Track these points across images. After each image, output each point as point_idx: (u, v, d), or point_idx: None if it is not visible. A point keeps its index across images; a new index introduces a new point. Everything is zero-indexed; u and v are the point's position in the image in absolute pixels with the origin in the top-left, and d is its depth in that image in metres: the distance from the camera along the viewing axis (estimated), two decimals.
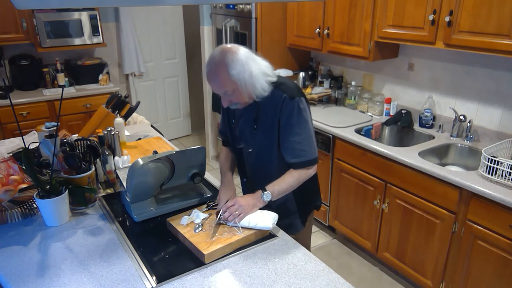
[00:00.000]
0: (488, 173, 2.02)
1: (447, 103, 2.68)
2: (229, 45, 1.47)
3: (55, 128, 2.10)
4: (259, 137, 1.60)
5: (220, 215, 1.48)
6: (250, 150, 1.65)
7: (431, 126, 2.75)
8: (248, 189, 1.78)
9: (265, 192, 1.51)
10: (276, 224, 1.53)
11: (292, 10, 3.29)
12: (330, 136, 2.80)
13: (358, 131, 2.77)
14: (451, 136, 2.60)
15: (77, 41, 3.78)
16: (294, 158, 1.55)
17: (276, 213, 1.56)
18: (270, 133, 1.56)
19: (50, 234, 1.52)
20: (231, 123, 1.71)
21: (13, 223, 1.59)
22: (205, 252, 1.33)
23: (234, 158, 1.80)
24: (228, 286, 1.24)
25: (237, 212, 1.46)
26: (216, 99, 4.31)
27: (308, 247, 1.84)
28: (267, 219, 1.46)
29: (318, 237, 3.13)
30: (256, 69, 1.46)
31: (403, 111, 2.86)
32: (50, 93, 3.69)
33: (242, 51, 1.45)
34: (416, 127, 2.81)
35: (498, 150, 2.18)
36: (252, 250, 1.42)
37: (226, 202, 1.52)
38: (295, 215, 1.73)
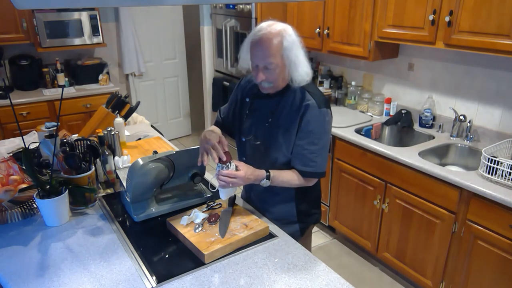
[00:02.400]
0: (488, 173, 2.02)
1: (447, 103, 2.68)
2: (280, 23, 1.47)
3: (55, 128, 2.10)
4: (271, 131, 1.56)
5: (217, 171, 1.45)
6: (258, 143, 1.60)
7: (431, 126, 2.75)
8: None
9: (266, 181, 1.49)
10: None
11: (292, 10, 3.29)
12: (330, 136, 2.79)
13: (358, 131, 2.77)
14: (451, 136, 2.60)
15: (77, 41, 3.78)
16: (302, 166, 1.53)
17: (276, 222, 1.57)
18: (287, 132, 1.53)
19: (50, 234, 1.52)
20: (243, 114, 1.65)
21: (13, 223, 1.59)
22: (205, 252, 1.33)
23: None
24: (228, 286, 1.24)
25: (231, 184, 1.43)
26: (216, 99, 4.31)
27: None
28: (229, 192, 1.50)
29: (318, 237, 3.13)
30: (302, 54, 1.46)
31: (403, 111, 2.86)
32: (50, 93, 3.69)
33: (293, 33, 1.45)
34: (416, 127, 2.81)
35: (498, 150, 2.18)
36: (252, 250, 1.42)
37: (224, 163, 1.43)
38: (295, 225, 1.70)
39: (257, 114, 1.61)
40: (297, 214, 1.69)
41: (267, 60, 1.42)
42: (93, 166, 1.76)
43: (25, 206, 1.62)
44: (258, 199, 1.72)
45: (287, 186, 1.56)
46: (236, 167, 1.45)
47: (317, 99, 1.50)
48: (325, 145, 1.55)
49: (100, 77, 4.00)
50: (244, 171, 1.44)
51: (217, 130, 1.65)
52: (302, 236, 1.74)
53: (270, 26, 1.43)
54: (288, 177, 1.54)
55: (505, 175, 1.97)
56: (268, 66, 1.43)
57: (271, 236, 1.50)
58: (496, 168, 2.00)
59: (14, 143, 2.38)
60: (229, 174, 1.42)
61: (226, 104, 1.81)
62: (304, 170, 1.53)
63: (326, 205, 3.05)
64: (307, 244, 1.81)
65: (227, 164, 1.43)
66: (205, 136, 1.50)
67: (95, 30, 3.82)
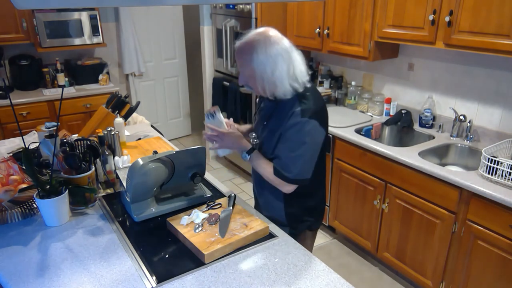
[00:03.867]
0: (488, 173, 2.02)
1: (447, 103, 2.68)
2: (273, 32, 1.45)
3: (55, 128, 2.10)
4: (266, 132, 1.60)
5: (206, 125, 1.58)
6: (257, 141, 1.67)
7: (431, 126, 2.75)
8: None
9: (246, 155, 1.58)
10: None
11: (292, 10, 3.29)
12: (330, 136, 2.80)
13: (358, 131, 2.77)
14: (451, 136, 2.60)
15: (77, 41, 3.78)
16: (278, 165, 1.53)
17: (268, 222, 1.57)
18: (273, 135, 1.54)
19: (50, 234, 1.52)
20: (256, 114, 1.75)
21: (13, 223, 1.59)
22: (205, 252, 1.33)
23: None
24: (228, 286, 1.24)
25: (215, 141, 1.58)
26: (216, 99, 4.30)
27: None
28: (224, 150, 1.63)
29: (318, 237, 3.13)
30: (282, 70, 1.42)
31: (403, 111, 2.86)
32: (50, 93, 3.69)
33: (278, 46, 1.41)
34: (416, 127, 2.81)
35: (498, 150, 2.18)
36: (252, 250, 1.42)
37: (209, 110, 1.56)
38: (285, 228, 1.65)
39: (261, 115, 1.67)
40: (286, 216, 1.68)
41: (240, 68, 1.50)
42: (93, 166, 1.76)
43: (25, 206, 1.62)
44: (255, 183, 1.79)
45: (262, 172, 1.58)
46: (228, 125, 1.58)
47: (304, 108, 1.46)
48: (302, 155, 1.49)
49: (100, 77, 4.00)
50: (228, 130, 1.56)
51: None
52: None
53: (251, 35, 1.45)
54: (265, 166, 1.57)
55: (505, 175, 1.97)
56: (243, 73, 1.50)
57: (271, 236, 1.50)
58: (496, 168, 2.00)
59: (14, 143, 2.38)
60: (213, 128, 1.55)
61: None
62: (276, 168, 1.53)
63: (326, 205, 3.05)
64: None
65: (211, 112, 1.55)
66: None
67: (95, 30, 3.82)
